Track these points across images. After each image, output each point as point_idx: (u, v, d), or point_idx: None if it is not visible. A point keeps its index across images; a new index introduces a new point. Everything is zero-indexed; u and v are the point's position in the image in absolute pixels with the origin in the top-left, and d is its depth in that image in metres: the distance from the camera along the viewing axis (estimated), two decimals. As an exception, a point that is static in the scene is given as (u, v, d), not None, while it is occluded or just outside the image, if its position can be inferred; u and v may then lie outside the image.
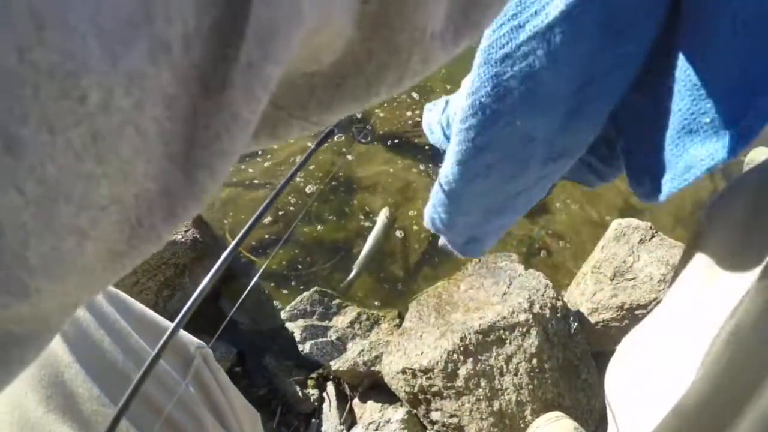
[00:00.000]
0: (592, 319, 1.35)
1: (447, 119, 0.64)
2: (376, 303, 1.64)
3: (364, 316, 1.56)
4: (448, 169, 0.54)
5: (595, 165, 0.58)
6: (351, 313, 1.57)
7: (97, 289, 0.16)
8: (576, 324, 1.32)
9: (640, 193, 0.48)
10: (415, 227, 1.80)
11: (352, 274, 1.62)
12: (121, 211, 0.15)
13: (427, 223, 0.65)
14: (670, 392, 0.44)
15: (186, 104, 0.15)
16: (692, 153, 0.39)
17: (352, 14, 0.18)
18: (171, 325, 0.69)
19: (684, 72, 0.38)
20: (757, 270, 0.39)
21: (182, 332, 0.71)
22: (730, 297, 0.41)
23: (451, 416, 1.26)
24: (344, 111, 0.21)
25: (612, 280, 1.34)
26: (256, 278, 1.37)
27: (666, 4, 0.38)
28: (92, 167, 0.13)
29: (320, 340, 1.48)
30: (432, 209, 0.62)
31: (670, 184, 0.43)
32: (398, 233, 1.77)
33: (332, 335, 1.50)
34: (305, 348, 1.45)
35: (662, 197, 0.44)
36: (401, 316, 1.59)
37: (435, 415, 1.29)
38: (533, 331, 1.29)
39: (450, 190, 0.56)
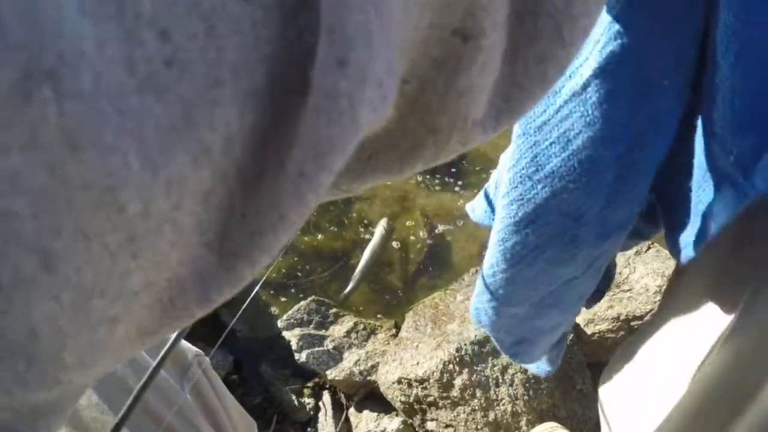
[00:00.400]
0: (588, 330, 1.35)
1: (488, 193, 0.59)
2: (373, 313, 1.65)
3: (361, 326, 1.57)
4: (491, 252, 0.51)
5: (642, 230, 0.54)
6: (348, 322, 1.57)
7: (120, 363, 0.16)
8: (572, 335, 1.33)
9: (674, 254, 0.45)
10: (412, 238, 1.81)
11: (350, 286, 1.62)
12: (153, 295, 0.15)
13: (472, 317, 0.60)
14: (665, 401, 0.44)
15: (222, 195, 0.15)
16: (719, 199, 0.38)
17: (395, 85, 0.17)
18: (171, 335, 0.70)
19: (710, 109, 0.37)
20: (750, 284, 0.39)
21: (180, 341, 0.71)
22: (723, 310, 0.42)
23: (447, 426, 1.26)
24: (375, 181, 0.21)
25: (608, 291, 1.35)
26: (257, 288, 1.37)
27: (695, 54, 0.37)
28: (127, 264, 0.14)
29: (317, 349, 1.48)
30: (476, 299, 0.57)
31: (700, 236, 0.41)
32: (395, 244, 1.78)
33: (329, 344, 1.50)
34: (301, 357, 1.46)
35: (694, 252, 0.43)
36: (398, 326, 1.59)
37: (430, 425, 1.29)
38: (529, 342, 1.29)
39: (494, 277, 0.51)
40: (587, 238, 0.47)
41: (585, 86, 0.40)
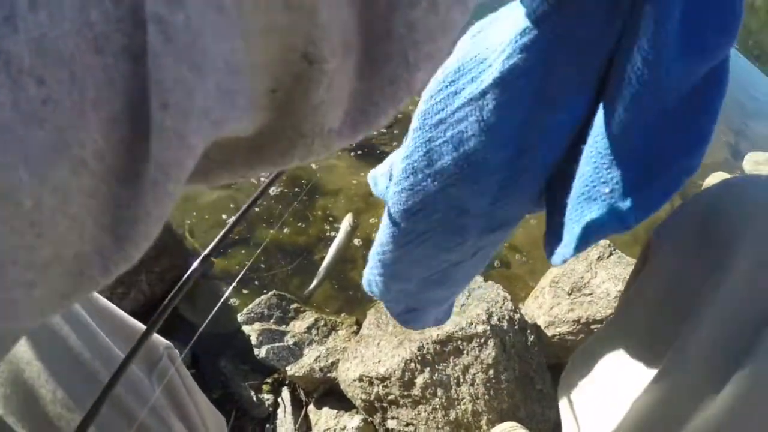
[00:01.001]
0: (549, 332, 1.37)
1: (390, 175, 0.62)
2: (334, 309, 1.63)
3: (322, 322, 1.55)
4: (381, 231, 0.53)
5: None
6: (309, 318, 1.55)
7: (48, 318, 0.19)
8: (533, 336, 1.34)
9: (546, 253, 0.47)
10: (374, 235, 1.80)
11: (315, 282, 1.60)
12: (64, 265, 0.19)
13: (364, 285, 0.62)
14: (624, 402, 0.45)
15: (105, 192, 0.19)
16: (588, 220, 0.40)
17: (263, 103, 0.21)
18: (139, 325, 0.67)
19: (594, 140, 0.38)
20: (706, 292, 0.40)
21: (131, 319, 0.68)
22: (679, 315, 0.42)
23: (407, 425, 1.26)
24: (266, 170, 0.25)
25: (570, 294, 1.37)
26: (229, 290, 1.34)
27: (597, 77, 0.38)
28: (33, 240, 0.18)
29: (277, 344, 1.46)
30: (368, 271, 0.59)
31: (564, 249, 0.43)
32: (357, 241, 1.76)
33: (289, 340, 1.48)
34: (261, 352, 1.43)
35: (557, 261, 0.44)
36: (359, 323, 1.58)
37: (391, 423, 1.28)
38: (491, 343, 1.30)
39: (383, 255, 0.54)
40: (473, 230, 0.49)
41: (484, 93, 0.41)
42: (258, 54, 0.19)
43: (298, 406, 1.41)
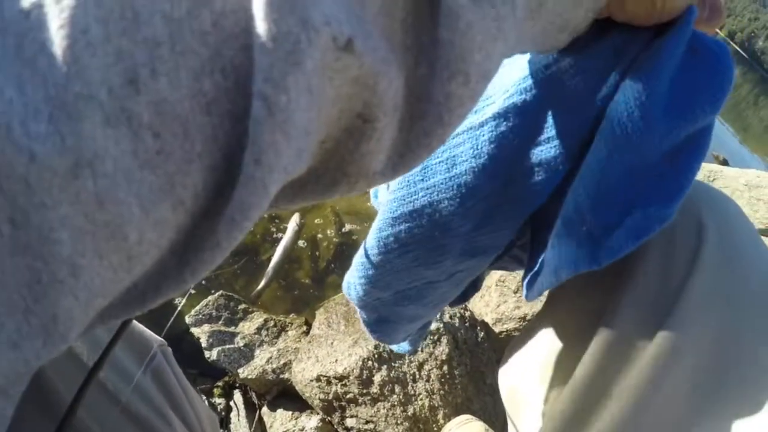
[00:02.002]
0: (496, 329, 1.44)
1: (388, 187, 0.62)
2: (282, 309, 1.62)
3: (271, 323, 1.54)
4: (369, 236, 0.54)
5: (519, 255, 0.59)
6: (258, 319, 1.54)
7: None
8: (482, 333, 1.41)
9: (524, 285, 0.50)
10: (320, 236, 1.80)
11: (263, 282, 1.58)
12: (134, 292, 0.22)
13: (344, 289, 0.63)
14: (556, 378, 0.50)
15: (189, 225, 0.22)
16: (564, 257, 0.43)
17: (314, 151, 0.24)
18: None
19: (578, 181, 0.41)
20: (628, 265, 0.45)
21: (143, 328, 0.67)
22: (602, 308, 0.47)
23: (367, 422, 1.28)
24: (305, 203, 0.29)
25: (516, 293, 1.45)
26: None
27: (588, 124, 0.41)
28: (123, 275, 0.21)
29: (227, 346, 1.43)
30: (350, 274, 0.60)
31: (541, 283, 0.46)
32: (301, 242, 1.76)
33: (239, 342, 1.46)
34: (212, 355, 1.40)
35: (532, 295, 0.48)
36: (308, 324, 1.58)
37: (350, 422, 1.30)
38: (444, 339, 1.35)
39: (367, 258, 0.56)
40: (452, 251, 0.51)
41: (482, 124, 0.44)
42: (323, 118, 0.23)
43: (251, 409, 1.39)
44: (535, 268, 0.48)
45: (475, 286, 0.68)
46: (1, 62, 0.18)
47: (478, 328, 1.42)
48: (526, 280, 0.50)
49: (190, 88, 0.19)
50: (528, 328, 0.60)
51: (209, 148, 0.21)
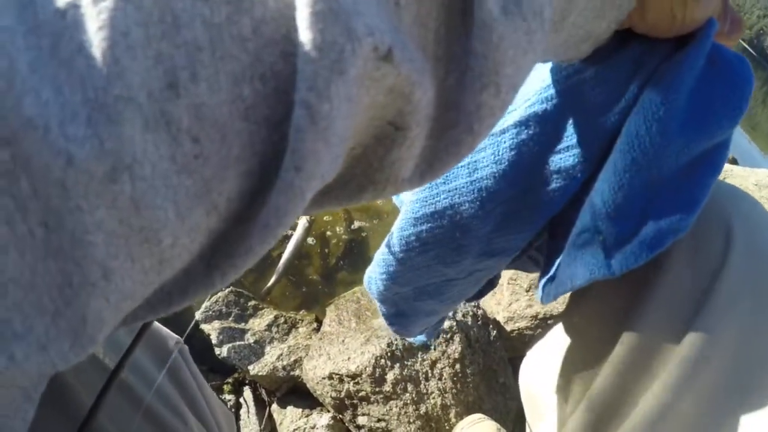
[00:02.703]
0: (508, 327, 1.43)
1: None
2: (292, 306, 1.61)
3: (282, 319, 1.53)
4: (392, 233, 0.56)
5: (536, 257, 0.60)
6: (268, 315, 1.53)
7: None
8: (495, 331, 1.40)
9: (539, 288, 0.51)
10: (329, 233, 1.79)
11: (274, 279, 1.58)
12: (161, 294, 0.22)
13: (365, 283, 0.66)
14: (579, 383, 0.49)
15: (223, 230, 0.22)
16: (578, 264, 0.43)
17: (343, 156, 0.24)
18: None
19: (595, 191, 0.42)
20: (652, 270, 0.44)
21: (161, 327, 0.67)
22: (624, 315, 0.46)
23: (379, 420, 1.27)
24: (330, 208, 0.29)
25: (527, 291, 1.44)
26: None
27: (606, 135, 0.41)
28: (153, 278, 0.20)
29: (238, 343, 1.43)
30: (371, 269, 0.63)
31: (556, 289, 0.47)
32: (311, 240, 1.75)
33: (250, 338, 1.45)
34: (223, 351, 1.39)
35: (547, 299, 0.48)
36: (318, 320, 1.57)
37: (362, 420, 1.29)
38: (456, 338, 1.34)
39: (389, 255, 0.57)
40: (471, 251, 0.52)
41: (503, 131, 0.45)
42: (355, 125, 0.23)
43: (261, 406, 1.39)
44: (550, 273, 0.49)
45: (491, 284, 0.69)
46: (35, 63, 0.17)
47: (491, 326, 1.41)
48: (542, 284, 0.50)
49: (229, 93, 0.19)
50: (548, 334, 0.59)
51: (246, 154, 0.20)
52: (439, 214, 0.50)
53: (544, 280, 0.50)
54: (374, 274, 0.61)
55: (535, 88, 0.44)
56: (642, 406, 0.42)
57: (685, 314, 0.42)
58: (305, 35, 0.20)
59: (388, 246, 0.57)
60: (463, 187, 0.49)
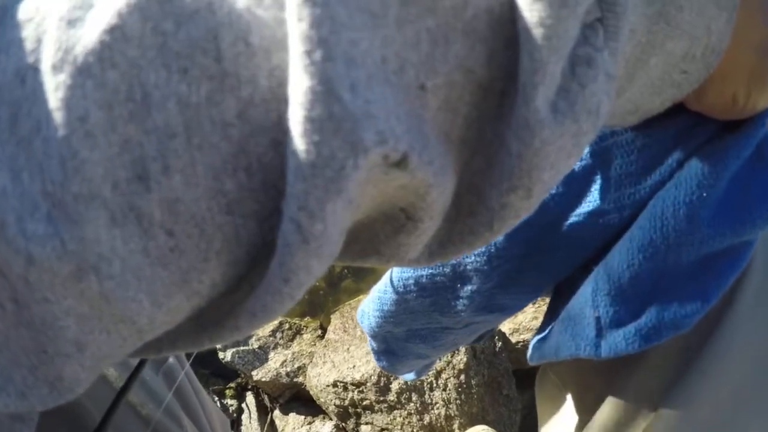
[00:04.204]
0: (513, 339, 1.43)
1: None
2: (296, 312, 1.61)
3: (286, 326, 1.53)
4: (389, 273, 0.54)
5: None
6: (273, 321, 1.53)
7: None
8: (500, 343, 1.39)
9: (531, 344, 0.50)
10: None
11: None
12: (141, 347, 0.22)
13: (358, 315, 0.62)
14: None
15: (207, 309, 0.20)
16: (567, 336, 0.41)
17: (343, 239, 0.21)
18: None
19: (603, 264, 0.39)
20: None
21: None
22: None
23: (382, 430, 1.27)
24: (335, 263, 0.27)
25: (533, 303, 1.44)
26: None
27: (630, 207, 0.39)
28: (135, 342, 0.19)
29: (242, 348, 1.42)
30: (366, 304, 0.59)
31: (539, 352, 0.45)
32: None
33: (254, 343, 1.45)
34: (227, 355, 1.39)
35: (533, 359, 0.47)
36: (323, 328, 1.57)
37: (365, 429, 1.29)
38: (462, 349, 1.33)
39: (385, 293, 0.55)
40: (470, 304, 0.50)
41: None
42: (361, 209, 0.20)
43: (263, 412, 1.38)
44: (543, 334, 0.46)
45: (489, 331, 0.66)
46: None
47: (496, 338, 1.40)
48: (533, 343, 0.48)
49: (208, 189, 0.17)
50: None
51: (229, 247, 0.18)
52: (440, 265, 0.48)
53: (536, 339, 0.48)
54: (368, 309, 0.59)
55: None
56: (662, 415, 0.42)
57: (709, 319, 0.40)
58: (297, 144, 0.16)
59: (386, 284, 0.54)
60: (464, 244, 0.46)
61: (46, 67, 0.16)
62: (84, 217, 0.16)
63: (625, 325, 0.38)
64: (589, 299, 0.40)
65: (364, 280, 1.70)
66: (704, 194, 0.34)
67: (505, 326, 1.46)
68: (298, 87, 0.16)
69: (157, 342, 0.21)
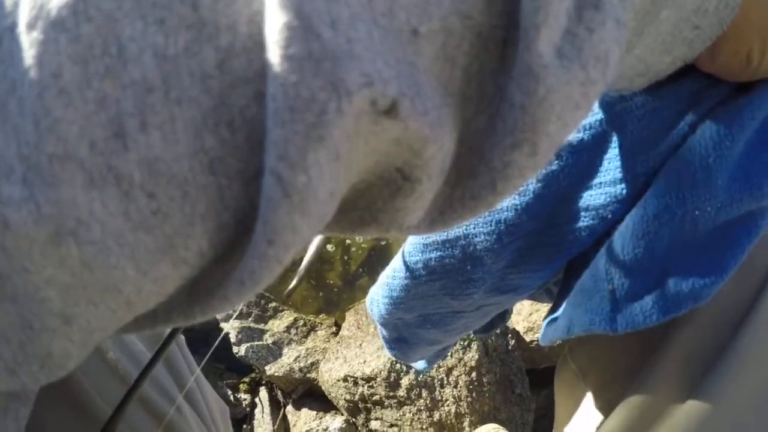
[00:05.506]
0: (527, 338, 1.41)
1: None
2: (312, 309, 1.62)
3: (301, 322, 1.54)
4: (398, 257, 0.52)
5: (552, 289, 0.56)
6: (288, 317, 1.54)
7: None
8: (513, 341, 1.38)
9: (543, 327, 0.48)
10: (348, 241, 1.80)
11: (295, 281, 1.59)
12: (134, 319, 0.21)
13: (367, 304, 0.61)
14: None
15: (197, 277, 0.20)
16: (580, 312, 0.40)
17: (342, 196, 0.20)
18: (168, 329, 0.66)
19: (617, 236, 0.38)
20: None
21: None
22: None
23: (392, 425, 1.27)
24: (332, 235, 0.26)
25: (547, 303, 1.42)
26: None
27: (644, 176, 0.37)
28: (124, 314, 0.19)
29: (256, 343, 1.44)
30: (374, 291, 0.58)
31: (555, 331, 0.43)
32: (329, 246, 1.76)
33: (268, 339, 1.46)
34: (241, 350, 1.40)
35: (544, 340, 0.45)
36: (338, 325, 1.58)
37: (375, 424, 1.28)
38: (474, 346, 1.32)
39: (393, 279, 0.53)
40: (481, 286, 0.48)
41: None
42: (355, 170, 0.19)
43: (276, 406, 1.39)
44: (556, 314, 0.45)
45: (502, 318, 0.65)
46: None
47: (509, 335, 1.39)
48: (545, 323, 0.47)
49: (188, 145, 0.16)
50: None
51: (215, 210, 0.18)
52: (450, 243, 0.46)
53: (548, 319, 0.46)
54: (377, 296, 0.58)
55: None
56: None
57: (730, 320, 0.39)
58: (275, 87, 0.15)
59: (394, 270, 0.53)
60: (480, 216, 0.44)
61: (21, 27, 0.15)
62: (59, 179, 0.15)
63: (642, 297, 0.36)
64: (602, 272, 0.38)
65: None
66: (720, 157, 0.33)
67: (520, 324, 1.44)
68: (274, 24, 0.15)
69: (151, 315, 0.21)
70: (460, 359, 1.30)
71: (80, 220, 0.16)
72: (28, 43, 0.15)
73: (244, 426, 1.33)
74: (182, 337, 0.73)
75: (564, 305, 0.43)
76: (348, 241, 1.78)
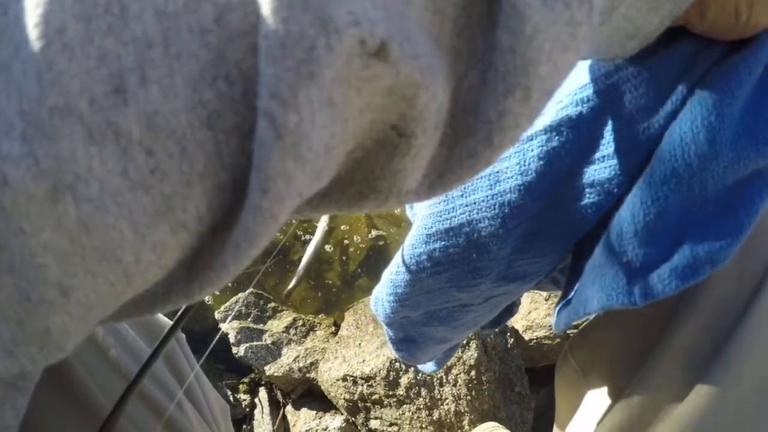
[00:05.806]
0: (526, 336, 1.41)
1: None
2: (311, 309, 1.62)
3: (300, 322, 1.54)
4: (401, 252, 0.51)
5: (558, 278, 0.55)
6: (287, 318, 1.54)
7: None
8: (512, 339, 1.38)
9: (555, 313, 0.47)
10: (346, 241, 1.80)
11: (294, 281, 1.59)
12: (132, 302, 0.21)
13: (371, 304, 0.60)
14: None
15: (196, 245, 0.20)
16: (596, 287, 0.39)
17: (338, 161, 0.21)
18: (164, 319, 0.66)
19: (627, 207, 0.37)
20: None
21: (158, 315, 0.67)
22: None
23: (391, 425, 1.27)
24: (329, 212, 0.26)
25: (547, 300, 1.42)
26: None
27: (646, 144, 0.37)
28: (122, 289, 0.19)
29: (255, 343, 1.44)
30: (378, 289, 0.57)
31: (570, 314, 0.42)
32: (328, 247, 1.76)
33: (267, 339, 1.46)
34: (240, 351, 1.40)
35: (559, 324, 0.44)
36: (337, 325, 1.58)
37: (374, 424, 1.29)
38: (473, 344, 1.32)
39: (397, 275, 0.52)
40: (488, 275, 0.47)
41: (531, 138, 0.40)
42: (351, 128, 0.19)
43: (275, 407, 1.39)
44: (568, 297, 0.44)
45: (510, 311, 0.64)
46: None
47: (508, 334, 1.39)
48: (557, 309, 0.46)
49: (187, 99, 0.17)
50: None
51: (213, 168, 0.18)
52: (454, 231, 0.46)
53: (560, 305, 0.45)
54: (382, 294, 0.56)
55: (568, 89, 0.39)
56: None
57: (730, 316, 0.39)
58: (266, 25, 0.16)
59: (398, 265, 0.52)
60: (483, 201, 0.43)
61: None
62: (59, 132, 0.16)
63: (658, 266, 0.36)
64: (614, 245, 0.38)
65: (378, 278, 1.69)
66: (721, 115, 0.33)
67: (519, 323, 1.45)
68: None
69: (151, 296, 0.21)
70: (459, 358, 1.31)
71: (78, 176, 0.16)
72: (35, 4, 0.16)
73: (244, 426, 1.33)
74: (183, 336, 0.73)
75: (577, 287, 0.42)
76: (347, 241, 1.78)
